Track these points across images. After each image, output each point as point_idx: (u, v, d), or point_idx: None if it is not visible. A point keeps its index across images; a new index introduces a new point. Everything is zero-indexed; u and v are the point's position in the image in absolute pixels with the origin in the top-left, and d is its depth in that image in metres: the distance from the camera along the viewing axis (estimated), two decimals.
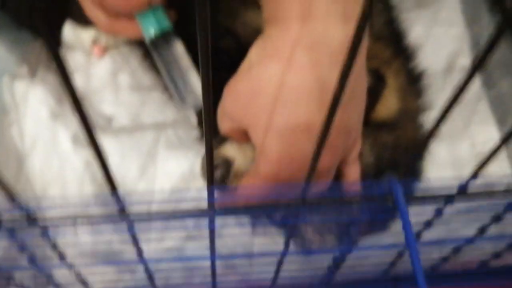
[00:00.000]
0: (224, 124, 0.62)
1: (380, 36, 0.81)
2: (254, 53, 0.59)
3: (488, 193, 0.45)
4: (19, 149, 0.86)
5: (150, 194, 0.86)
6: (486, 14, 1.01)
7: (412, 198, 0.52)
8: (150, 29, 0.72)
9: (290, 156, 0.55)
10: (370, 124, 0.69)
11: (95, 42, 0.98)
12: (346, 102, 0.56)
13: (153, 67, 0.95)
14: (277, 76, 0.53)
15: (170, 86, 0.74)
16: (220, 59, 0.79)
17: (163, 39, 0.72)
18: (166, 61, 0.73)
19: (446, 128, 0.92)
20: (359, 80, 0.57)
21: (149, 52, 0.75)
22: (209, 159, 0.40)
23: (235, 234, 0.85)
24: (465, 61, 0.99)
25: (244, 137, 0.60)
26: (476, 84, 0.97)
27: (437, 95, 0.91)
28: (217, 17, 0.79)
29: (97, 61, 1.00)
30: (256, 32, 0.78)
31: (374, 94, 0.68)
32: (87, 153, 0.85)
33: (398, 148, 0.77)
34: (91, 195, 0.83)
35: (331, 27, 0.52)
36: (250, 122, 0.56)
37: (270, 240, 0.86)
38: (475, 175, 0.45)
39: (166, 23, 0.72)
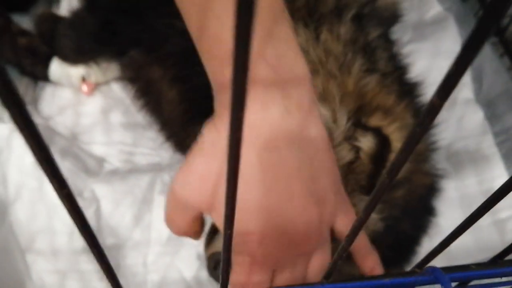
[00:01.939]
0: (178, 217, 0.50)
1: (384, 76, 0.72)
2: (207, 132, 0.46)
3: None
4: (2, 198, 0.75)
5: (146, 243, 0.76)
6: (486, 45, 0.94)
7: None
8: None
9: (275, 228, 0.44)
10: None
11: (84, 78, 0.89)
12: (313, 173, 0.45)
13: (147, 105, 0.86)
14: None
15: None
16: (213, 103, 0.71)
17: None
18: None
19: (452, 163, 0.84)
20: (325, 152, 0.48)
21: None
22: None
23: None
24: (467, 94, 0.92)
25: (200, 227, 0.50)
26: (479, 118, 0.90)
27: (441, 129, 0.84)
28: None
29: (86, 98, 0.90)
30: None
31: (379, 160, 0.60)
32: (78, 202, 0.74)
33: (409, 202, 0.68)
34: (82, 248, 0.72)
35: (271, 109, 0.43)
36: (215, 205, 0.44)
37: None
38: None
39: None
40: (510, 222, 0.82)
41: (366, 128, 0.61)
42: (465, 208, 0.84)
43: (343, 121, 0.62)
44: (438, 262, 0.75)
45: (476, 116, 0.90)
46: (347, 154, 0.61)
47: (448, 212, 0.82)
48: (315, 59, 0.68)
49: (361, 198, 0.60)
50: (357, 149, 0.61)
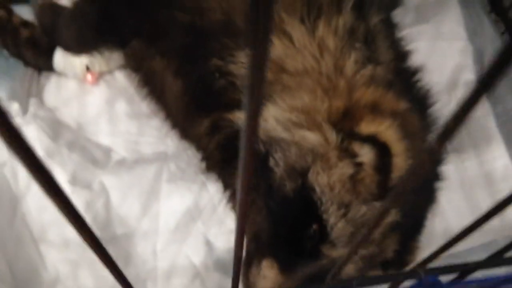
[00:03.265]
0: None
1: (379, 66, 0.70)
2: None
3: None
4: (13, 190, 0.75)
5: (154, 232, 0.76)
6: (488, 27, 0.92)
7: None
8: None
9: None
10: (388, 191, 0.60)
11: (88, 68, 0.87)
12: None
13: (151, 94, 0.84)
14: None
15: None
16: (215, 99, 0.69)
17: None
18: None
19: (452, 145, 0.83)
20: None
21: None
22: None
23: None
24: (469, 75, 0.90)
25: None
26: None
27: (442, 111, 0.82)
28: (209, 58, 0.68)
29: (91, 88, 0.88)
30: None
31: (384, 168, 0.58)
32: (87, 194, 0.74)
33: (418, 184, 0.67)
34: None
35: None
36: None
37: None
38: None
39: None
40: (510, 204, 0.81)
41: (361, 139, 0.59)
42: (466, 190, 0.83)
43: (332, 136, 0.60)
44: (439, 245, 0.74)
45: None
46: (347, 170, 0.59)
47: (449, 194, 0.81)
48: (309, 56, 0.66)
49: (374, 205, 0.59)
50: (357, 163, 0.59)
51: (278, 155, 0.61)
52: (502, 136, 0.85)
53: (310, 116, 0.62)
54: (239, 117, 0.65)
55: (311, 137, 0.60)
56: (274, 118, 0.62)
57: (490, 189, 0.82)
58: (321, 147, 0.60)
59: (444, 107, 0.84)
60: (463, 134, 0.86)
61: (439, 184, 0.75)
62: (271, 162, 0.61)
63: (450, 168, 0.83)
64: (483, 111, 0.87)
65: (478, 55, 0.90)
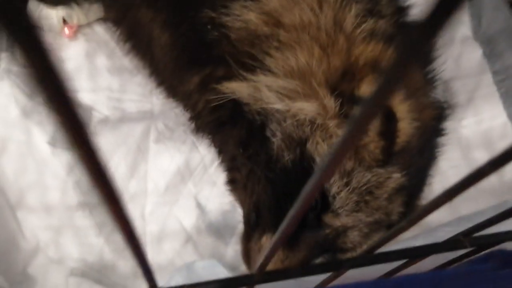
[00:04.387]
0: None
1: (381, 19, 0.64)
2: None
3: None
4: None
5: (143, 194, 0.71)
6: None
7: None
8: None
9: None
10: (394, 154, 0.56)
11: (65, 21, 0.79)
12: None
13: (135, 48, 0.77)
14: None
15: None
16: (206, 53, 0.63)
17: None
18: None
19: (449, 103, 0.79)
20: None
21: None
22: None
23: None
24: (465, 31, 0.86)
25: None
26: (477, 56, 0.84)
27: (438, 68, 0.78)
28: (201, 9, 0.62)
29: (68, 42, 0.80)
30: (246, 24, 0.62)
31: (389, 133, 0.54)
32: (69, 156, 0.68)
33: (423, 139, 0.63)
34: (77, 204, 0.66)
35: None
36: None
37: None
38: None
39: None
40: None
41: None
42: (464, 149, 0.80)
43: (330, 103, 0.54)
44: (443, 211, 0.71)
45: (474, 55, 0.85)
46: None
47: (447, 153, 0.78)
48: (307, 9, 0.59)
49: (378, 172, 0.55)
50: None
51: (274, 126, 0.56)
52: (500, 94, 0.82)
53: (306, 81, 0.56)
54: (228, 87, 0.59)
55: (308, 108, 0.55)
56: (267, 87, 0.56)
57: (488, 148, 0.79)
58: (319, 117, 0.54)
59: (440, 65, 0.80)
60: (460, 92, 0.82)
61: (442, 140, 0.71)
62: (268, 132, 0.56)
63: (447, 127, 0.79)
64: (481, 69, 0.84)
65: (475, 10, 0.86)
